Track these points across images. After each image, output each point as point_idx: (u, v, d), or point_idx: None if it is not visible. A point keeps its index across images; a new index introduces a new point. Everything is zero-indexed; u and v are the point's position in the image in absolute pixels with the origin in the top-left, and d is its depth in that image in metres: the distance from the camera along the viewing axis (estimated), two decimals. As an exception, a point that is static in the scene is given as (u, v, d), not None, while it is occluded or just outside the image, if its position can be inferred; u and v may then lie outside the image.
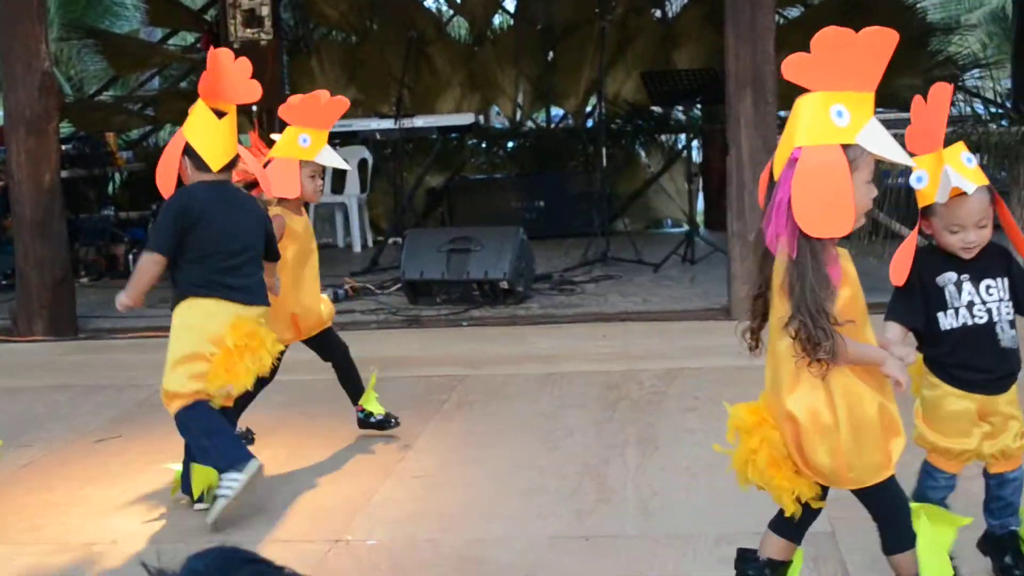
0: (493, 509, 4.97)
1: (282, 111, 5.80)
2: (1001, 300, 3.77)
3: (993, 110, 10.35)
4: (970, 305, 3.75)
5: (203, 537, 4.72)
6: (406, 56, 11.98)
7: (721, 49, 8.68)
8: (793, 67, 3.33)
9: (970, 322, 3.75)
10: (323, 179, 6.01)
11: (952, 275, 3.76)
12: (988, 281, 3.77)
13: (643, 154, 14.21)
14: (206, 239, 5.04)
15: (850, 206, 3.28)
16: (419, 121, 11.77)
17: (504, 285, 8.99)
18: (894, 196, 8.24)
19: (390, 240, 11.49)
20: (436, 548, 4.55)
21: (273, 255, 5.42)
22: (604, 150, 11.10)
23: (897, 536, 3.54)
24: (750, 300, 3.60)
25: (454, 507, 5.03)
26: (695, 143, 13.16)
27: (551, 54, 14.51)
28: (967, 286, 3.77)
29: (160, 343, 8.29)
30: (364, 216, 12.86)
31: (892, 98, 13.28)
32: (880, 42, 3.37)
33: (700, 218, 12.98)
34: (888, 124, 9.65)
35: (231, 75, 5.17)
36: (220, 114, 5.12)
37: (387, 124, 11.87)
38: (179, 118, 14.77)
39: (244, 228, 5.17)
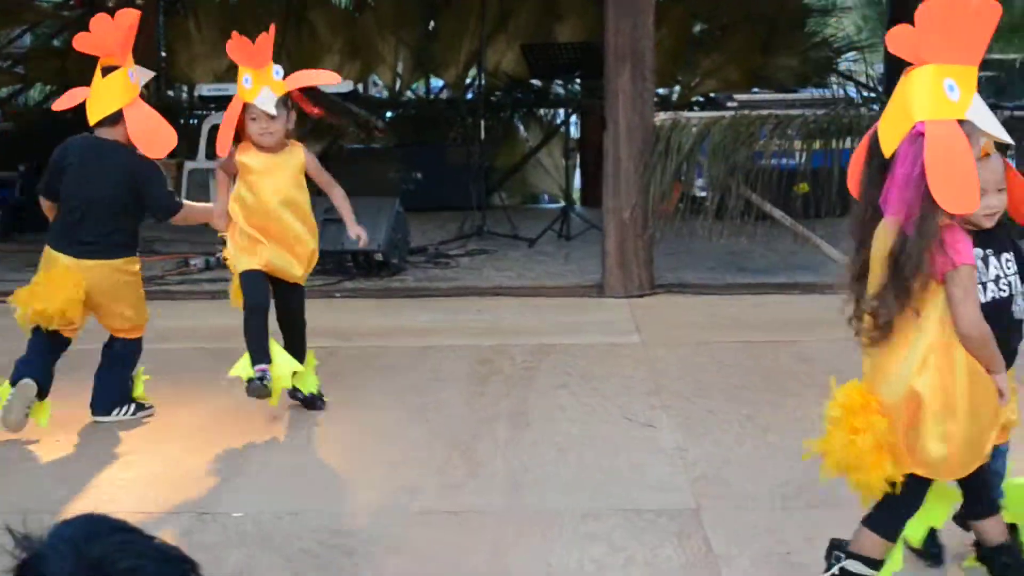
0: (360, 482, 4.95)
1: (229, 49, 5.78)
2: (1016, 272, 3.71)
3: (866, 94, 10.53)
4: (996, 279, 3.68)
5: (68, 506, 4.63)
6: (285, 20, 11.84)
7: (601, 23, 8.71)
8: (897, 39, 3.24)
9: (997, 296, 3.67)
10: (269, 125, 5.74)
11: (979, 250, 3.58)
12: (1006, 254, 3.71)
13: (522, 128, 14.23)
14: (63, 190, 5.60)
15: (976, 182, 3.18)
16: (297, 88, 11.62)
17: (379, 257, 8.95)
18: (767, 176, 8.34)
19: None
20: (301, 520, 4.52)
21: (154, 208, 5.73)
22: (483, 123, 11.10)
23: (985, 504, 3.62)
24: (850, 282, 3.46)
25: (320, 479, 5.00)
26: (573, 118, 13.21)
27: (432, 23, 14.44)
28: (992, 260, 3.68)
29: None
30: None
31: (769, 79, 13.49)
32: (987, 13, 3.23)
33: (576, 194, 13.05)
34: (765, 104, 9.75)
35: (114, 32, 5.29)
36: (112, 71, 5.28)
37: (264, 90, 11.69)
38: (50, 76, 14.57)
39: (94, 182, 5.49)
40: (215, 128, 12.40)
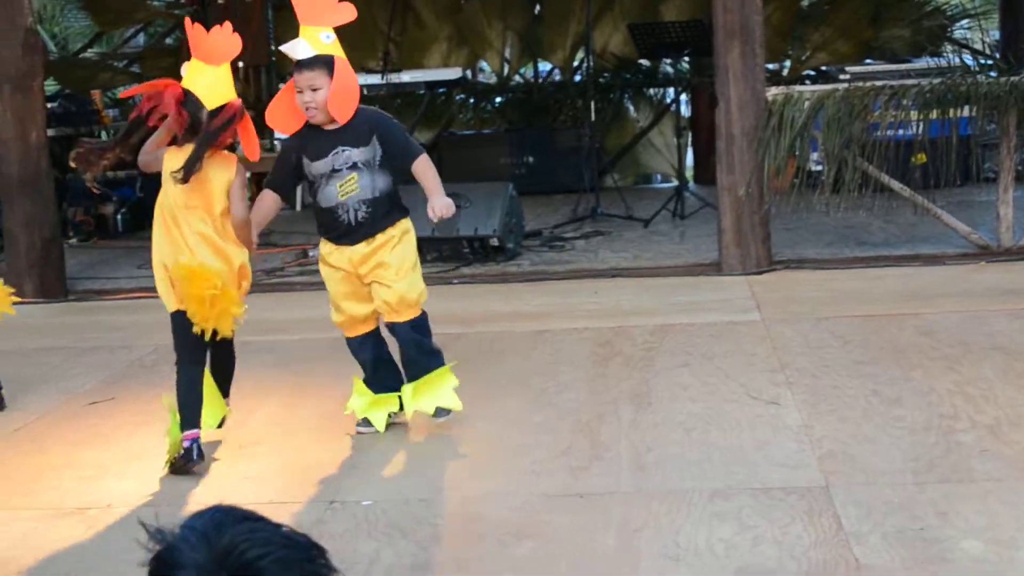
0: (486, 466, 4.98)
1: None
2: None
3: (982, 61, 10.32)
4: None
5: (197, 498, 4.73)
6: (392, 10, 11.91)
7: (708, 2, 8.64)
8: None
9: None
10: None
11: None
12: None
13: (631, 108, 14.15)
14: None
15: None
16: (406, 76, 11.69)
17: (494, 242, 8.98)
18: (883, 148, 8.23)
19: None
20: (430, 507, 4.56)
21: None
22: (593, 105, 11.06)
23: None
24: None
25: (447, 465, 5.04)
26: (683, 97, 13.12)
27: (538, 7, 14.42)
28: None
29: (148, 304, 8.30)
30: (352, 172, 12.78)
31: (881, 50, 13.28)
32: None
33: (689, 173, 12.96)
34: (878, 75, 9.62)
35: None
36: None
37: (374, 79, 11.79)
38: (165, 75, 14.76)
39: None
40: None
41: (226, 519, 1.76)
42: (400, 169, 5.38)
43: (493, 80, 14.81)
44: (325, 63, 5.12)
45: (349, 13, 5.22)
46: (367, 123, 5.27)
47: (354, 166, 5.24)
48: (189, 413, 5.08)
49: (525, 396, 5.86)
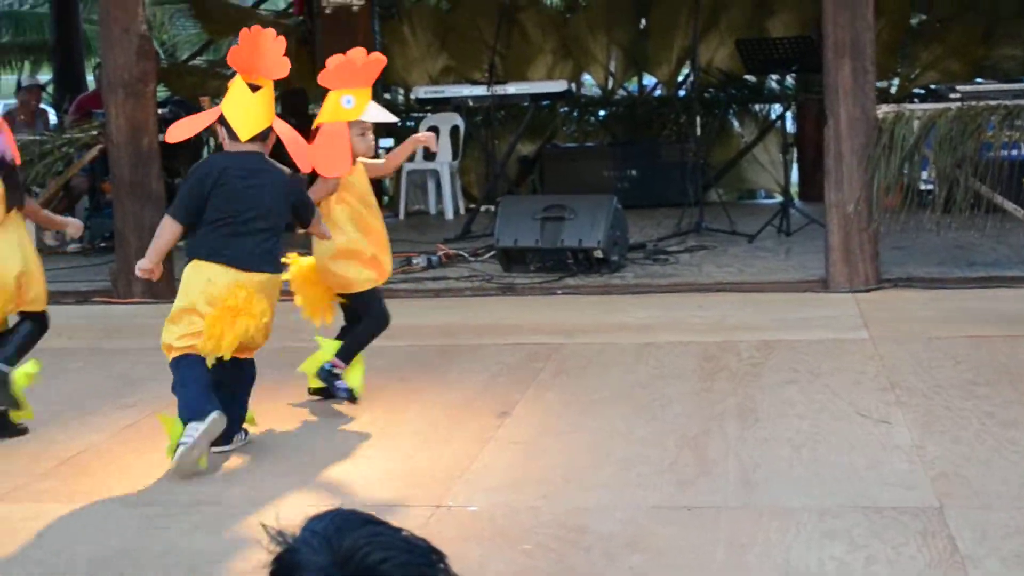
0: (593, 478, 4.96)
1: (321, 78, 5.98)
2: None
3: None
4: None
5: (305, 500, 4.76)
6: (498, 22, 11.95)
7: (815, 18, 8.57)
8: None
9: None
10: (373, 135, 6.10)
11: None
12: None
13: (736, 123, 14.08)
14: (218, 206, 5.32)
15: None
16: (511, 88, 11.75)
17: (598, 254, 8.96)
18: (996, 168, 8.11)
19: (482, 207, 11.48)
20: (537, 516, 4.55)
21: (305, 219, 5.66)
22: (698, 119, 11.01)
23: None
24: None
25: (553, 475, 5.02)
26: (789, 113, 13.02)
27: (643, 21, 14.40)
28: None
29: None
30: (456, 183, 12.86)
31: (992, 69, 13.08)
32: None
33: (794, 189, 12.85)
34: (991, 94, 9.49)
35: (268, 52, 5.47)
36: (256, 88, 5.45)
37: (479, 91, 11.86)
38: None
39: (258, 197, 5.34)
40: (431, 130, 12.60)
41: (347, 523, 1.76)
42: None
43: (597, 93, 14.80)
44: None
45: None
46: None
47: None
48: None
49: (629, 409, 5.83)
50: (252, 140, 5.40)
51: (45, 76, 25.32)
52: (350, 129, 5.90)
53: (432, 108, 13.44)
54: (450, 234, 10.85)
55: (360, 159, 6.04)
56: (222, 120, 5.44)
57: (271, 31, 5.56)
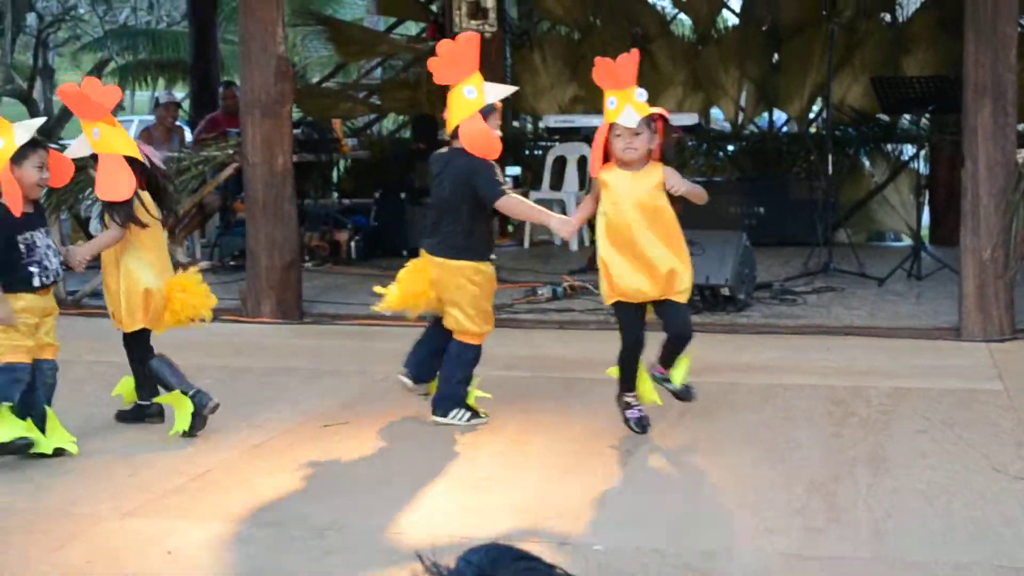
0: (719, 520, 4.91)
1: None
2: None
3: None
4: None
5: (434, 529, 4.76)
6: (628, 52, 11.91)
7: (953, 57, 8.44)
8: None
9: None
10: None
11: None
12: None
13: (867, 163, 13.90)
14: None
15: None
16: (642, 120, 11.70)
17: (725, 292, 8.89)
18: None
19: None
20: (663, 557, 4.50)
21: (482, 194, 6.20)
22: (830, 157, 10.89)
23: None
24: None
25: (679, 516, 4.97)
26: (922, 153, 12.84)
27: (776, 56, 14.30)
28: None
29: (381, 331, 8.47)
30: (582, 213, 12.83)
31: None
32: None
33: (925, 232, 12.65)
34: None
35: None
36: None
37: (609, 121, 11.83)
38: (402, 107, 15.13)
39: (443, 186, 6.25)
40: (559, 159, 12.62)
41: (502, 556, 1.78)
42: None
43: (726, 127, 14.73)
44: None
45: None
46: None
47: None
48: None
49: (756, 451, 5.77)
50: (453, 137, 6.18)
51: (179, 93, 25.89)
52: (610, 131, 5.89)
53: (561, 137, 13.47)
54: (575, 265, 10.84)
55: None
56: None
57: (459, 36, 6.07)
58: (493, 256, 6.35)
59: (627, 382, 6.07)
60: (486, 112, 6.05)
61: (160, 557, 4.57)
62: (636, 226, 5.88)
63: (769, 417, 6.35)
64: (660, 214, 5.93)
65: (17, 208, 5.59)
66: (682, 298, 6.00)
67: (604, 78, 5.88)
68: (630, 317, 6.02)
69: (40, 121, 5.97)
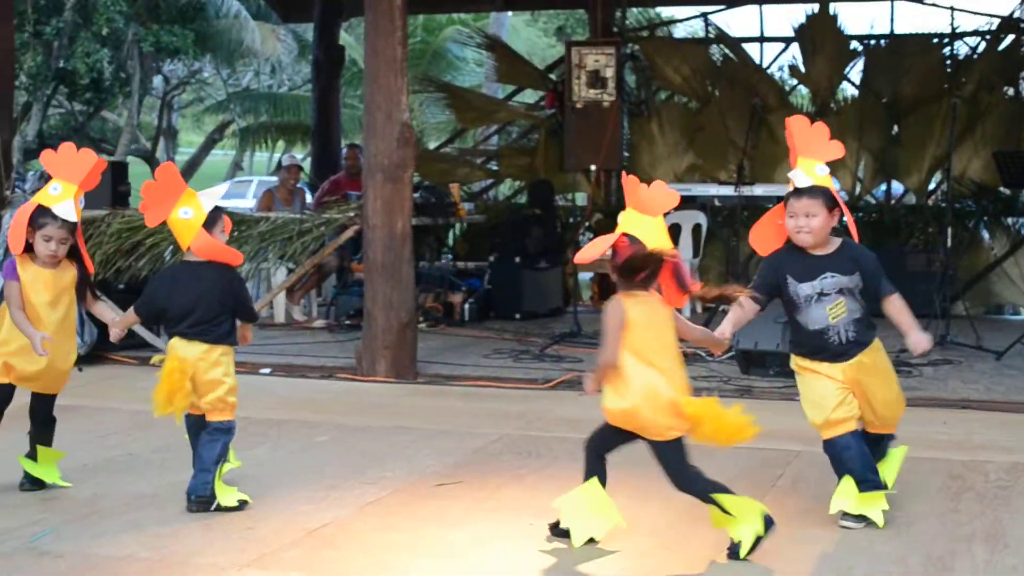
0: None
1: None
2: None
3: None
4: None
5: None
6: (749, 123, 11.96)
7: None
8: None
9: None
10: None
11: None
12: None
13: (987, 235, 13.74)
14: None
15: None
16: (759, 189, 11.73)
17: (840, 361, 8.80)
18: None
19: (721, 308, 11.42)
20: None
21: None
22: (949, 230, 10.79)
23: None
24: None
25: (793, 586, 4.94)
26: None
27: (895, 128, 14.23)
28: None
29: (493, 392, 8.54)
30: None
31: None
32: None
33: (1046, 306, 12.48)
34: None
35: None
36: None
37: (726, 191, 11.88)
38: (519, 173, 15.29)
39: None
40: (674, 227, 12.62)
41: None
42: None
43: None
44: (823, 193, 5.63)
45: (838, 151, 5.79)
46: (851, 253, 5.78)
47: (841, 291, 5.68)
48: None
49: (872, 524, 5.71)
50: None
51: (298, 155, 26.37)
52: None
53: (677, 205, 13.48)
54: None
55: None
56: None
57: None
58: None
59: None
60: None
61: (277, 608, 4.65)
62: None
63: (884, 490, 6.27)
64: None
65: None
66: None
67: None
68: None
69: (223, 188, 6.17)
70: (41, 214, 6.03)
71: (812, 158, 5.72)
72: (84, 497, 6.12)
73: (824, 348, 5.70)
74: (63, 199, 6.04)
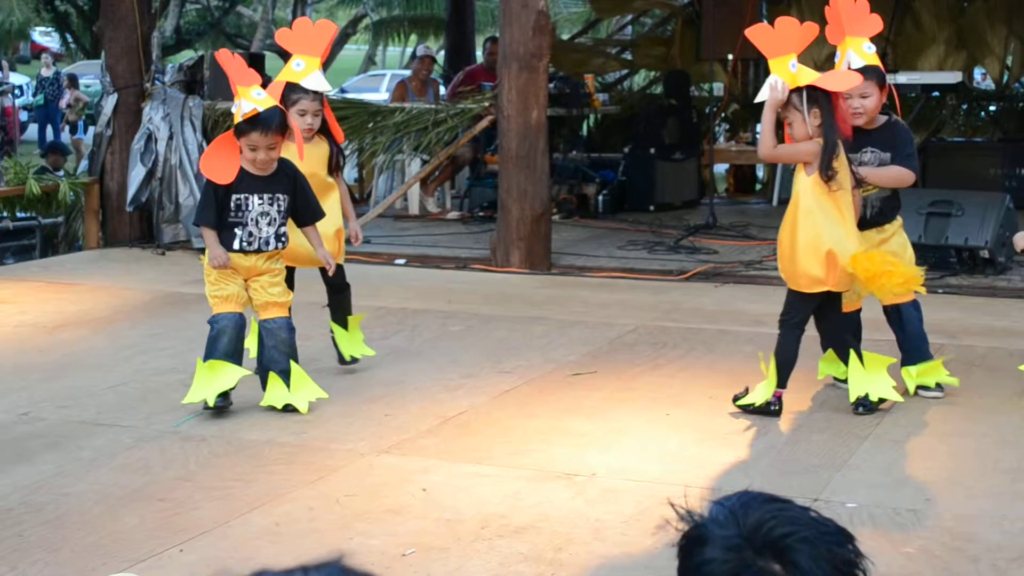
0: (978, 485, 4.77)
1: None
2: None
3: None
4: None
5: (678, 477, 4.75)
6: (893, 10, 11.60)
7: None
8: None
9: None
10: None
11: None
12: None
13: None
14: None
15: None
16: (902, 77, 11.37)
17: (984, 254, 8.60)
18: None
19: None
20: (919, 519, 4.41)
21: None
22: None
23: None
24: None
25: (935, 478, 4.85)
26: None
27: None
28: None
29: (629, 283, 8.49)
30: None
31: None
32: None
33: None
34: None
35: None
36: None
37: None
38: (654, 63, 15.07)
39: None
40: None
41: (754, 500, 1.84)
42: None
43: (989, 86, 14.21)
44: (875, 73, 5.69)
45: (878, 24, 5.81)
46: (892, 131, 5.82)
47: (880, 166, 5.77)
48: (783, 373, 5.61)
49: (1018, 416, 5.59)
50: None
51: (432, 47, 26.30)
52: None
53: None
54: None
55: None
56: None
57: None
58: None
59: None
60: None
61: (415, 494, 4.69)
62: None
63: (1030, 384, 6.12)
64: None
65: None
66: None
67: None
68: None
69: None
70: (292, 90, 6.07)
71: (859, 36, 5.75)
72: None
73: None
74: (308, 72, 6.11)
